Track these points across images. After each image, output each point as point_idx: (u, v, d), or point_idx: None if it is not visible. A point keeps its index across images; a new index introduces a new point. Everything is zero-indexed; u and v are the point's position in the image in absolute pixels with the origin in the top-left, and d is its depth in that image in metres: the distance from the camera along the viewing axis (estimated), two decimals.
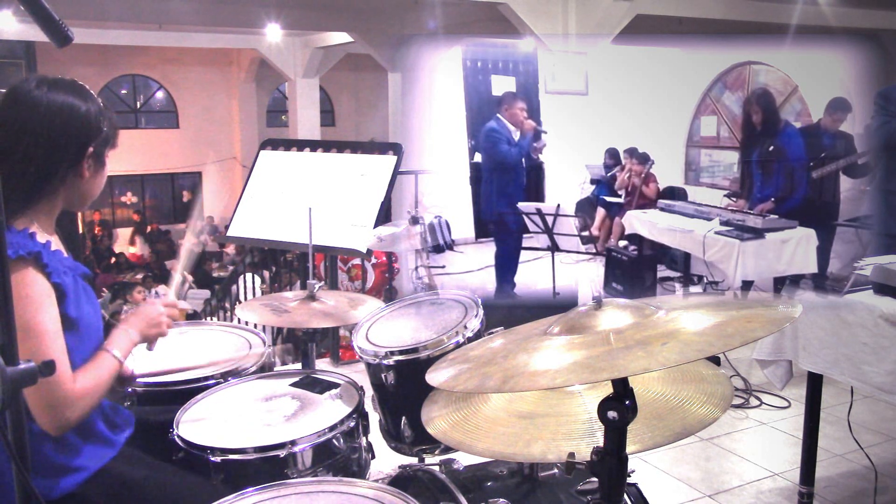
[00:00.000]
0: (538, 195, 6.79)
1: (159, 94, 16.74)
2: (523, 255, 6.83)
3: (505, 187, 6.07)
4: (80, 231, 14.21)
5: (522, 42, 7.95)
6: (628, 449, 1.22)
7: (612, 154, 7.54)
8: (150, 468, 1.70)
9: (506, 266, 6.24)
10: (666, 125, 8.51)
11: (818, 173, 5.62)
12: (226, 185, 16.42)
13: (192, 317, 8.67)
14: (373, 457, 2.02)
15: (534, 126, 6.04)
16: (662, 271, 6.59)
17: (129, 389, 2.00)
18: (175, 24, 11.06)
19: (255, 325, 2.95)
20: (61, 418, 1.47)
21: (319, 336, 2.75)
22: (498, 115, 6.06)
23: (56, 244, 1.59)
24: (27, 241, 1.50)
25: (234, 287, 7.54)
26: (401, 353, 1.96)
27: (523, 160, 6.16)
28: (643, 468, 3.19)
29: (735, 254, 5.08)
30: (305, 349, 2.37)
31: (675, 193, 7.04)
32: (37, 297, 1.47)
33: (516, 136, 5.97)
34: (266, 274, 8.69)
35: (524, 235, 6.37)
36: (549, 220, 5.76)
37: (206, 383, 2.07)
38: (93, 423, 1.64)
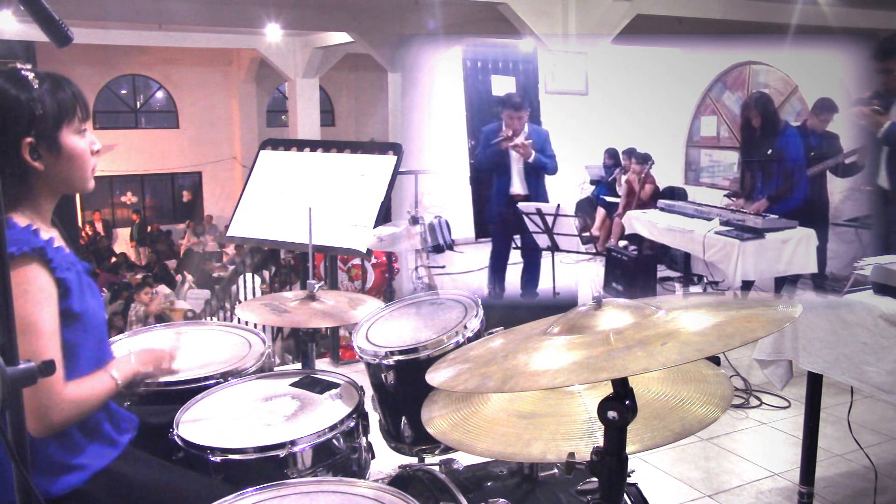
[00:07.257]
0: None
1: (159, 94, 16.73)
2: (522, 255, 6.84)
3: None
4: (79, 229, 14.19)
5: (522, 42, 7.95)
6: (628, 449, 1.22)
7: (612, 154, 7.54)
8: (153, 468, 1.70)
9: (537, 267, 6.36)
10: (666, 125, 8.50)
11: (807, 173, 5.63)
12: (226, 185, 16.43)
13: (192, 317, 8.68)
14: (373, 457, 2.02)
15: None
16: (662, 271, 6.59)
17: None
18: (175, 24, 11.05)
19: (255, 325, 2.95)
20: (44, 419, 1.46)
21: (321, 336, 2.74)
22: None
23: (58, 241, 1.59)
24: (31, 237, 1.50)
25: (234, 287, 7.55)
26: (401, 353, 1.96)
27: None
28: (643, 468, 3.19)
29: (735, 254, 5.07)
30: (305, 349, 2.37)
31: (675, 193, 7.04)
32: (37, 294, 1.47)
33: None
34: (266, 274, 8.69)
35: (518, 236, 6.45)
36: (549, 220, 5.76)
37: (206, 383, 2.07)
38: (98, 422, 1.64)
